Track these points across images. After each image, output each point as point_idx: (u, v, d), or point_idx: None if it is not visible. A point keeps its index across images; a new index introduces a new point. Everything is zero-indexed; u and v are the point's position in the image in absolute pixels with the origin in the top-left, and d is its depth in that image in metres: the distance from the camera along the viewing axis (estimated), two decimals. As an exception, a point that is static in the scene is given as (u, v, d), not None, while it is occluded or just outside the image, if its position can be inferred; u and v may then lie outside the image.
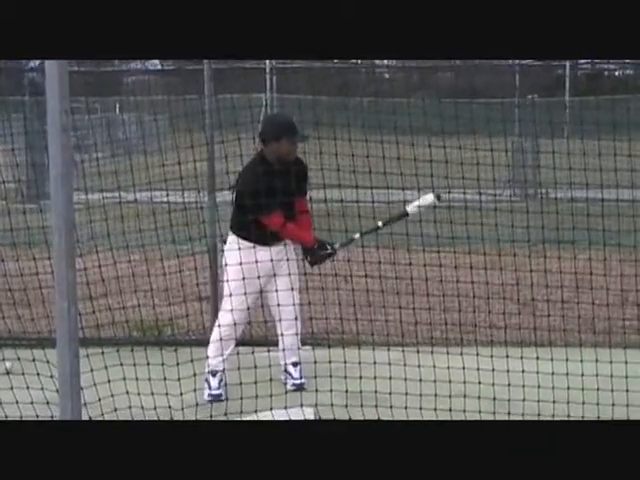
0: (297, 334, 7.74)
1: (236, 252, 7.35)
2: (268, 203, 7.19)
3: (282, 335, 7.61)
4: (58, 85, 4.32)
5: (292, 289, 7.42)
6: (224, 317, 7.52)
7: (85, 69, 16.41)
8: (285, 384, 7.68)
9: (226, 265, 7.58)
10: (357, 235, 7.48)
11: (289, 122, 7.68)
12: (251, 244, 7.38)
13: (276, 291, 7.43)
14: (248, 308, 7.42)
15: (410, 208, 7.47)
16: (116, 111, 20.32)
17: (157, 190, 8.37)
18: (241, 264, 7.16)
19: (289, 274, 7.36)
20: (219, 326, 7.52)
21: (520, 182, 17.01)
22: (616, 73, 32.59)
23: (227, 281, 7.50)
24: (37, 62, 15.36)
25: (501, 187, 14.79)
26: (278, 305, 7.40)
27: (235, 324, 7.41)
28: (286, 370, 7.81)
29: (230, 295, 7.46)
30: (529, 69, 18.77)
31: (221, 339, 7.44)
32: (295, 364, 7.80)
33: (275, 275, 7.47)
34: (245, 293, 7.23)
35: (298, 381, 7.72)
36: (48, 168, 4.39)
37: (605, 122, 8.59)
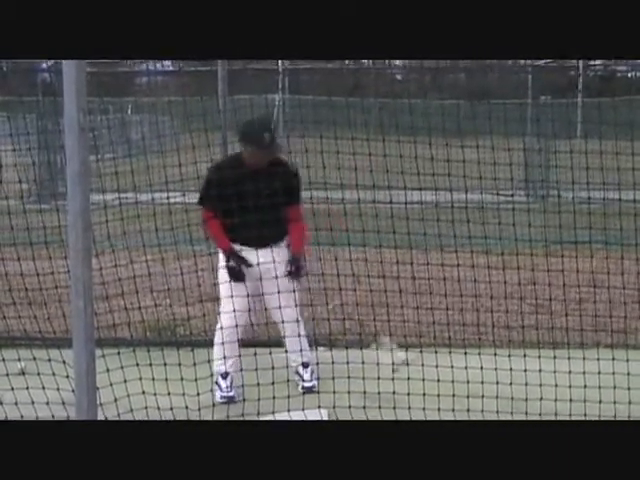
0: (300, 336, 7.54)
1: (223, 255, 7.50)
2: (204, 196, 7.48)
3: (285, 337, 7.58)
4: (75, 84, 4.31)
5: (288, 291, 7.31)
6: (219, 320, 7.58)
7: (98, 70, 16.40)
8: (298, 386, 7.65)
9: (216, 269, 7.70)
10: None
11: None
12: (238, 247, 7.44)
13: (262, 294, 7.46)
14: (234, 310, 7.23)
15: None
16: (128, 112, 20.32)
17: (171, 191, 8.35)
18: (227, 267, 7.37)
19: (275, 277, 7.20)
20: (218, 329, 7.58)
21: (532, 182, 16.97)
22: (628, 75, 32.57)
23: (216, 284, 7.61)
24: (50, 62, 15.35)
25: (513, 187, 14.73)
26: (280, 307, 7.25)
27: (226, 327, 7.40)
28: (297, 372, 7.73)
29: (219, 298, 7.59)
30: (541, 69, 18.63)
31: (222, 342, 7.46)
32: (305, 365, 7.70)
33: (262, 279, 7.42)
34: (232, 296, 7.26)
35: (308, 383, 7.63)
36: (62, 168, 4.39)
37: (620, 123, 8.55)
